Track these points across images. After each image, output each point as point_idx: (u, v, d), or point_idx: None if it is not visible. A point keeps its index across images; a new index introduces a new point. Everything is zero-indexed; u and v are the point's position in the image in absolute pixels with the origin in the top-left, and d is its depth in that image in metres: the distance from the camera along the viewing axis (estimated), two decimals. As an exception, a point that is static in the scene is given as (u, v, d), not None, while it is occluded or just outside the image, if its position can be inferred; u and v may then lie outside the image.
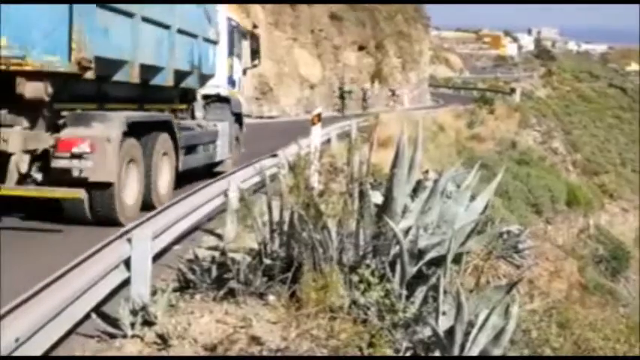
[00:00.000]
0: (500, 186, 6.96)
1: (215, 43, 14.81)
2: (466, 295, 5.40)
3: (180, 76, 13.01)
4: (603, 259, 33.10)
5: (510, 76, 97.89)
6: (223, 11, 15.96)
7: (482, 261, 7.38)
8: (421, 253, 6.16)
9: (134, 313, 6.21)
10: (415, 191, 6.93)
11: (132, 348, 5.94)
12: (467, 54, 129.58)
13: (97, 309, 6.10)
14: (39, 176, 9.80)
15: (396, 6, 56.68)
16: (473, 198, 6.80)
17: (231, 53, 16.60)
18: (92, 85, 10.40)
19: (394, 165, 6.67)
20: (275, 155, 13.33)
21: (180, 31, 12.60)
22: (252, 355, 5.48)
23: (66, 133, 9.69)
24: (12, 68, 9.01)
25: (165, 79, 12.40)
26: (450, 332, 5.27)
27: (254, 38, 18.61)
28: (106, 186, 9.76)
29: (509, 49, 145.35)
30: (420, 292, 6.17)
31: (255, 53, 18.58)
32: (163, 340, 5.90)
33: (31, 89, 9.21)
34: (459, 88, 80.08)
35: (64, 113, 9.92)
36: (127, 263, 6.47)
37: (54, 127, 9.83)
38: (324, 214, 6.66)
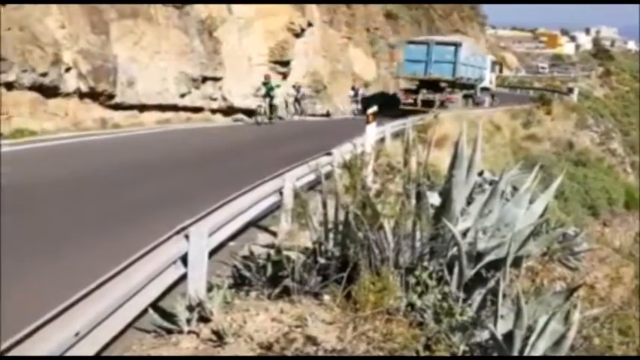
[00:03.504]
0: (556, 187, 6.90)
1: (485, 68, 48.08)
2: (525, 300, 5.30)
3: (474, 80, 44.58)
4: (661, 264, 32.38)
5: (567, 76, 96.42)
6: (489, 56, 53.33)
7: (539, 264, 7.23)
8: (480, 256, 6.07)
9: (190, 309, 6.25)
10: (472, 193, 6.84)
11: (188, 344, 5.97)
12: (523, 53, 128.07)
13: (155, 304, 6.16)
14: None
15: (451, 4, 56.22)
16: (531, 200, 6.68)
17: (491, 71, 50.11)
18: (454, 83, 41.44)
19: (453, 166, 6.59)
20: (329, 154, 13.32)
21: (477, 67, 45.24)
22: (308, 355, 5.47)
23: (447, 96, 39.79)
24: (439, 79, 39.77)
25: (471, 81, 43.76)
26: (509, 336, 5.19)
27: (499, 64, 58.52)
28: (445, 107, 36.48)
29: (567, 48, 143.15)
30: (478, 295, 6.07)
31: (500, 70, 58.16)
32: (219, 336, 5.91)
33: (443, 85, 39.90)
34: (515, 87, 79.10)
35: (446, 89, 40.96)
36: (184, 259, 6.52)
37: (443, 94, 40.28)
38: (380, 215, 6.61)
